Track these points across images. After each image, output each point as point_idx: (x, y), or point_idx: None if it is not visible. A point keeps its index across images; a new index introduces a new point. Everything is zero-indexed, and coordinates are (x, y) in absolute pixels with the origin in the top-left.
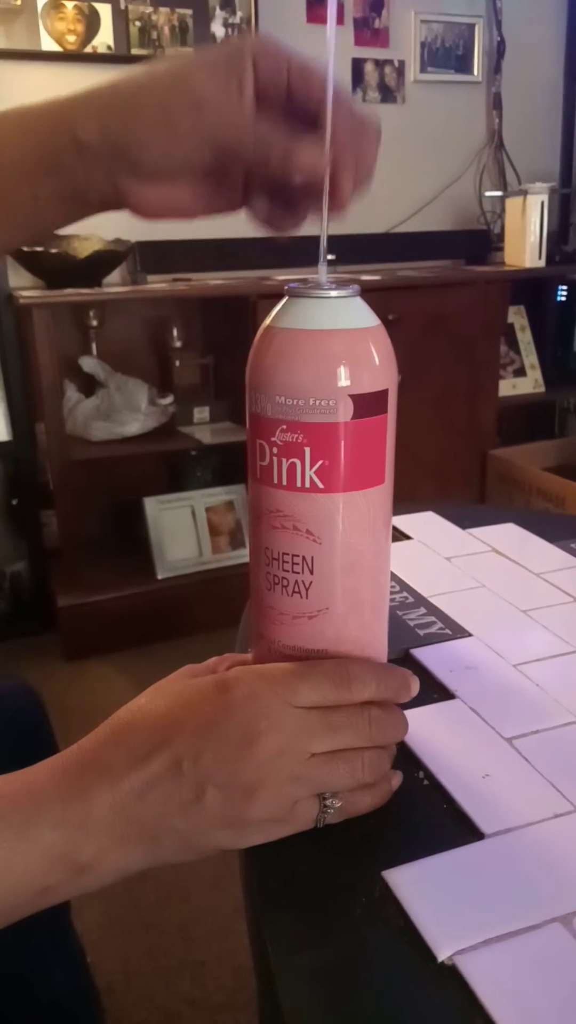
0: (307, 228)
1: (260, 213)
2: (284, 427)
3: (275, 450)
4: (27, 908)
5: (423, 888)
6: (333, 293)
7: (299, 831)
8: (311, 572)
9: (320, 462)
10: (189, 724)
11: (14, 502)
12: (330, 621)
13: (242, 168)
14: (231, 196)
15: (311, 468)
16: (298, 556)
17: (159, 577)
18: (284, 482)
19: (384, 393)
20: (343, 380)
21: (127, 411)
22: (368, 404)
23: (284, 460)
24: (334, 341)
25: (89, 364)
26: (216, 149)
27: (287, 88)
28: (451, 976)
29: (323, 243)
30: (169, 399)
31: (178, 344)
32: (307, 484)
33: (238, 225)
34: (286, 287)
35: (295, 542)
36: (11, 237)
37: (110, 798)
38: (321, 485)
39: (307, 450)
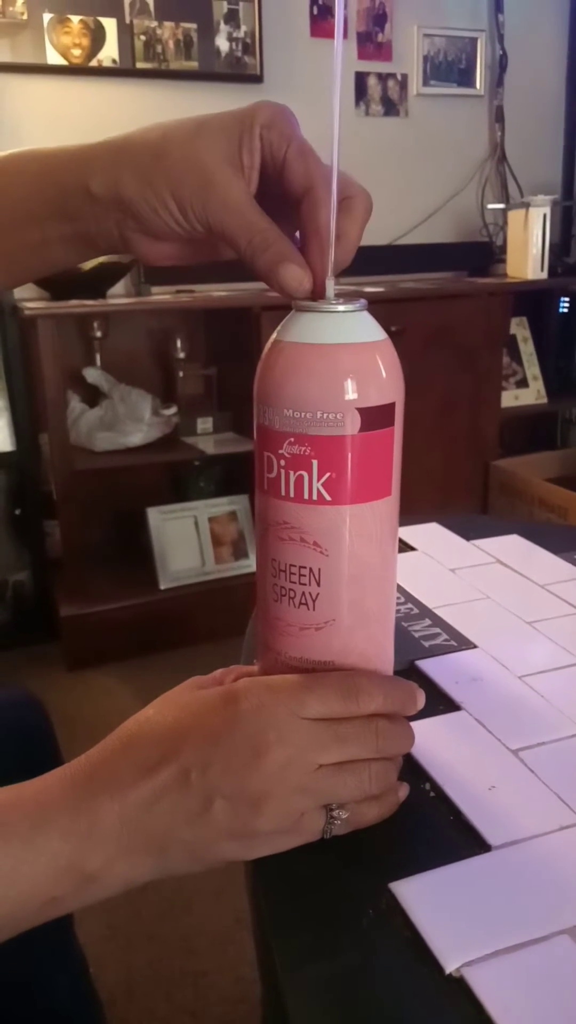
0: None
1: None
2: (292, 440)
3: (283, 462)
4: (34, 919)
5: (430, 900)
6: (341, 308)
7: (306, 842)
8: (318, 584)
9: (327, 474)
10: (197, 735)
11: (17, 512)
12: (337, 633)
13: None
14: (217, 253)
15: (318, 480)
16: (305, 568)
17: (162, 587)
18: (291, 494)
19: (391, 406)
20: (350, 393)
21: (131, 421)
22: (375, 417)
23: (292, 472)
24: (342, 355)
25: (93, 375)
26: (214, 231)
27: (282, 166)
28: (459, 988)
29: (330, 258)
30: (172, 410)
31: (182, 355)
32: (314, 496)
33: None
34: (294, 301)
35: (302, 554)
36: (18, 274)
37: (118, 808)
38: (328, 497)
39: (314, 463)
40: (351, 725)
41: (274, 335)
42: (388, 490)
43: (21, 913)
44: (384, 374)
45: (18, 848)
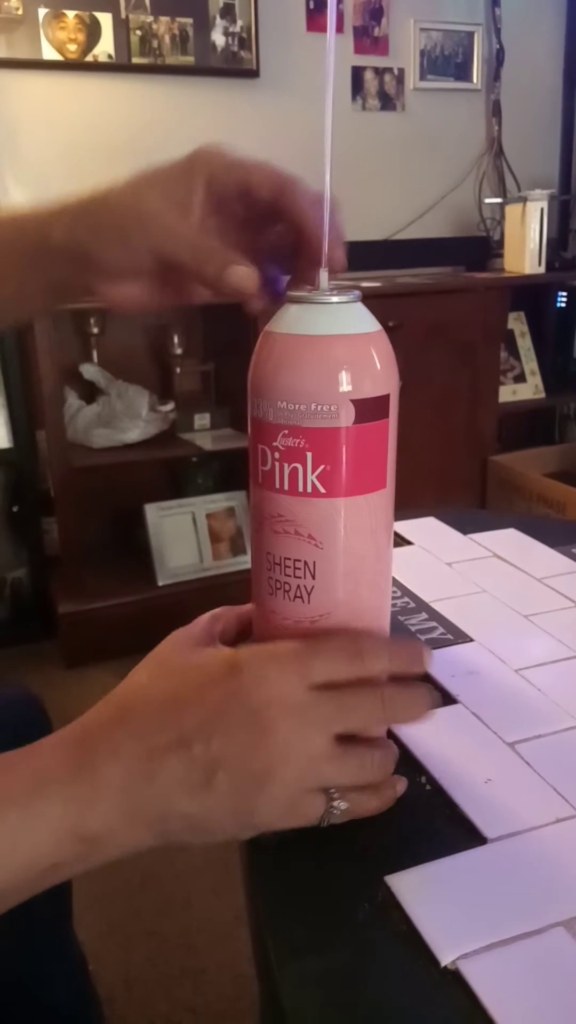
0: None
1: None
2: (286, 432)
3: (277, 455)
4: (35, 885)
5: (426, 893)
6: (335, 299)
7: (303, 826)
8: (313, 577)
9: (322, 467)
10: (198, 708)
11: (15, 509)
12: (332, 626)
13: (186, 274)
14: (179, 293)
15: (313, 473)
16: (300, 561)
17: (160, 584)
18: (286, 487)
19: (386, 398)
20: (344, 385)
21: (128, 418)
22: (369, 409)
23: (286, 465)
24: (336, 346)
25: (90, 371)
26: (160, 258)
27: (244, 189)
28: (454, 981)
29: (324, 249)
30: (170, 406)
31: (179, 351)
32: (309, 489)
33: None
34: (288, 293)
35: (297, 547)
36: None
37: (119, 778)
38: (323, 490)
39: (309, 455)
40: (356, 695)
41: (268, 327)
42: (383, 482)
43: (21, 880)
44: (378, 365)
45: (16, 815)
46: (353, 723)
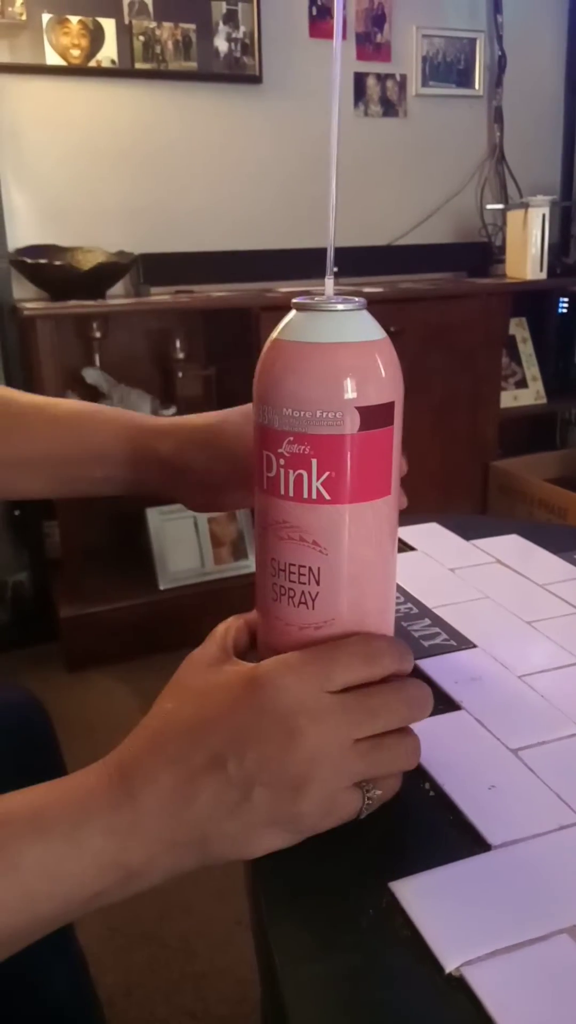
0: (308, 241)
1: None
2: (291, 439)
3: (282, 461)
4: (77, 913)
5: (430, 899)
6: (340, 307)
7: (344, 822)
8: (317, 583)
9: (327, 473)
10: (226, 727)
11: (16, 512)
12: (337, 632)
13: None
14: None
15: (318, 479)
16: (304, 567)
17: (161, 588)
18: (291, 493)
19: (390, 405)
20: (350, 392)
21: None
22: (374, 416)
23: (291, 471)
24: (341, 354)
25: (92, 375)
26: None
27: None
28: (459, 987)
29: (330, 256)
30: (172, 410)
31: (181, 355)
32: (314, 495)
33: (241, 238)
34: (293, 300)
35: (301, 553)
36: (65, 493)
37: (158, 805)
38: (328, 496)
39: (314, 461)
40: (380, 697)
41: (273, 334)
42: (388, 489)
43: (67, 908)
44: (383, 373)
45: (60, 846)
46: (379, 725)
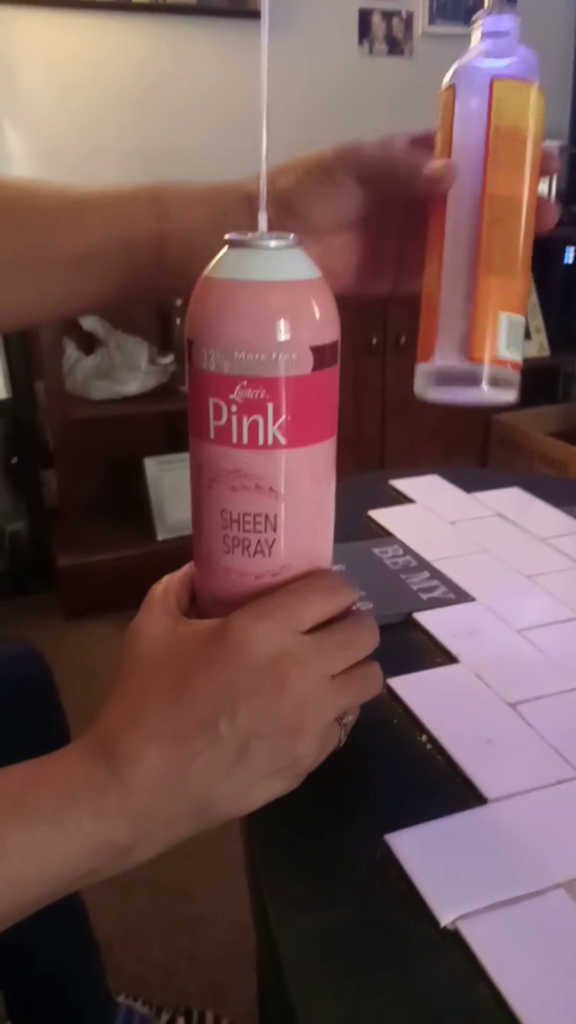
0: None
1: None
2: (244, 383)
3: (234, 408)
4: (71, 889)
5: (426, 852)
6: (273, 244)
7: (328, 753)
8: (274, 530)
9: (283, 418)
10: (209, 687)
11: (13, 460)
12: (292, 576)
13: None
14: (380, 269)
15: (274, 424)
16: (260, 515)
17: (159, 538)
18: (245, 441)
19: (336, 344)
20: (306, 332)
21: (127, 370)
22: (326, 355)
23: (245, 418)
24: (298, 292)
25: (89, 322)
26: (362, 176)
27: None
28: (454, 941)
29: (263, 194)
30: (170, 358)
31: (179, 301)
32: (269, 441)
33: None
34: (227, 237)
35: (258, 501)
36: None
37: (149, 783)
38: (283, 441)
39: (270, 406)
40: (346, 631)
41: (209, 272)
42: (334, 430)
43: (57, 888)
44: (333, 310)
45: (46, 830)
46: (352, 656)
